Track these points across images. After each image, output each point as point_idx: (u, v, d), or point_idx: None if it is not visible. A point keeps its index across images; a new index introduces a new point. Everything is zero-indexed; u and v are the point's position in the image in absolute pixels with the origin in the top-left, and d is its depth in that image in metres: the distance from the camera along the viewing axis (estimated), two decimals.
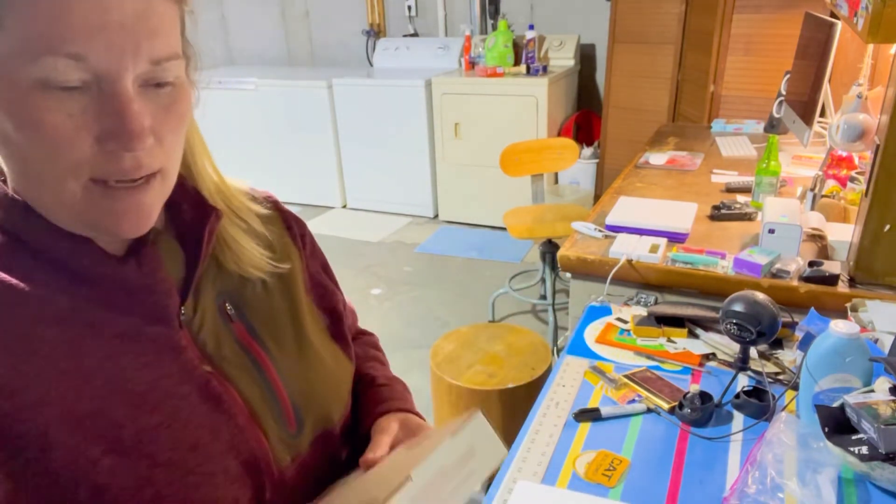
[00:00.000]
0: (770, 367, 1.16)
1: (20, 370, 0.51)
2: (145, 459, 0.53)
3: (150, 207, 0.54)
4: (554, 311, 2.84)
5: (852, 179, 1.77)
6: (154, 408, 0.55)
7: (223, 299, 0.65)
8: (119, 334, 0.55)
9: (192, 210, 0.63)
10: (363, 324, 0.94)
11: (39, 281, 0.54)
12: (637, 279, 1.49)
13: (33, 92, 0.47)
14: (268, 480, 0.62)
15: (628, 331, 1.30)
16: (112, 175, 0.50)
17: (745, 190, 1.92)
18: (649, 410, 1.07)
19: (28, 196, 0.54)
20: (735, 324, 1.06)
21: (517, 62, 3.93)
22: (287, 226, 0.75)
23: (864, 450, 0.83)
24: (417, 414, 0.79)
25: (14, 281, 0.53)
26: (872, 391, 0.90)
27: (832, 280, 1.34)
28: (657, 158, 2.29)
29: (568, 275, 1.62)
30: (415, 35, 4.49)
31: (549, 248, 2.91)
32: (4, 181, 0.55)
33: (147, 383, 0.55)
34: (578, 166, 3.69)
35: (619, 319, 1.35)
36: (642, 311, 1.34)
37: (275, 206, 0.75)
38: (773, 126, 2.39)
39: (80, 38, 0.46)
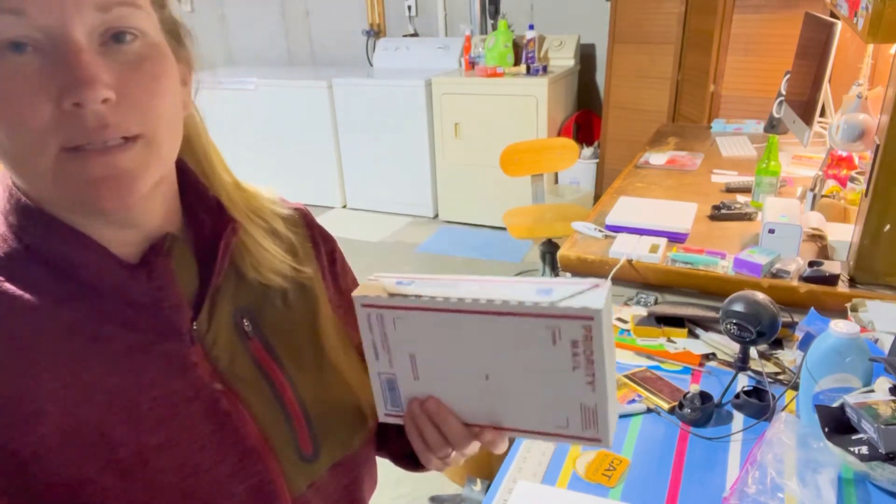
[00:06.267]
0: (770, 367, 1.16)
1: (17, 383, 0.49)
2: (142, 482, 0.51)
3: (132, 175, 0.50)
4: None
5: (852, 179, 1.77)
6: (156, 427, 0.53)
7: (240, 314, 0.61)
8: (126, 348, 0.53)
9: (211, 220, 0.61)
10: None
11: (47, 291, 0.52)
12: (637, 279, 1.49)
13: None
14: None
15: (628, 331, 1.30)
16: (77, 137, 0.47)
17: (745, 190, 1.92)
18: (649, 410, 1.07)
19: (22, 187, 0.53)
20: (735, 324, 1.06)
21: (517, 62, 3.92)
22: (313, 242, 0.72)
23: (864, 450, 0.83)
24: None
25: (19, 291, 0.51)
26: (872, 391, 0.90)
27: (832, 280, 1.34)
28: (657, 158, 2.29)
29: (568, 275, 1.62)
30: (415, 35, 4.48)
31: (549, 248, 2.91)
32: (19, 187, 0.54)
33: (151, 400, 0.53)
34: (578, 166, 3.68)
35: (619, 319, 1.35)
36: (642, 311, 1.34)
37: (304, 217, 0.72)
38: (773, 126, 2.39)
39: None
